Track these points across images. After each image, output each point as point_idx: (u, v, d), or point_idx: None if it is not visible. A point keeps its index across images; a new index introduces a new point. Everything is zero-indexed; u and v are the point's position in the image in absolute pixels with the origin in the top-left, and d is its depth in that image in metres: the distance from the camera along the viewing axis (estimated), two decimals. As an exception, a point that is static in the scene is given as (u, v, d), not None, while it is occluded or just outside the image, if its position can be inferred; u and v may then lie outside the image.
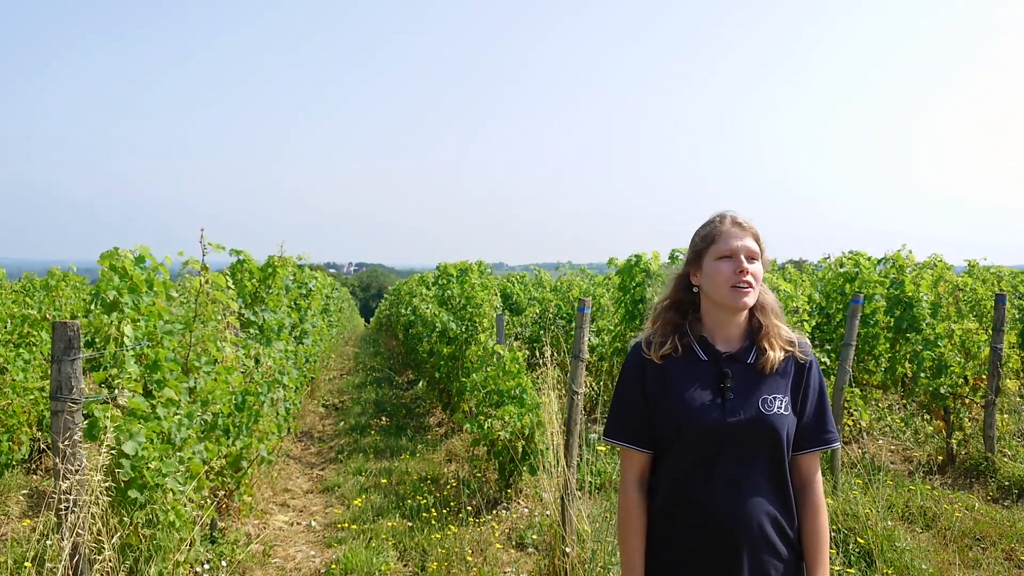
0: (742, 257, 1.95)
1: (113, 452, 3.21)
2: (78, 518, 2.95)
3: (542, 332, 10.88)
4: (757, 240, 2.00)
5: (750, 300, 1.95)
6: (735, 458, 1.92)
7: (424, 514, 5.45)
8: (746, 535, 1.89)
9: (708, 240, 2.02)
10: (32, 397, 6.19)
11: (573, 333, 4.38)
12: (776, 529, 1.92)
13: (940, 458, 6.55)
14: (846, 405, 6.14)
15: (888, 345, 8.53)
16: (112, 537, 3.13)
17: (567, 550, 4.14)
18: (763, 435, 1.92)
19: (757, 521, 1.90)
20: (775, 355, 1.96)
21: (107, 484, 3.10)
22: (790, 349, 2.00)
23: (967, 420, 6.46)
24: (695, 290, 2.07)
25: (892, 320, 8.50)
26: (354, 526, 5.39)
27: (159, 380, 3.68)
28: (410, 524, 5.34)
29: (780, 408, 1.94)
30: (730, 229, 1.99)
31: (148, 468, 3.31)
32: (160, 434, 3.52)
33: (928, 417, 7.06)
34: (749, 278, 1.94)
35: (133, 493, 3.28)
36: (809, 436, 1.99)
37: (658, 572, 1.99)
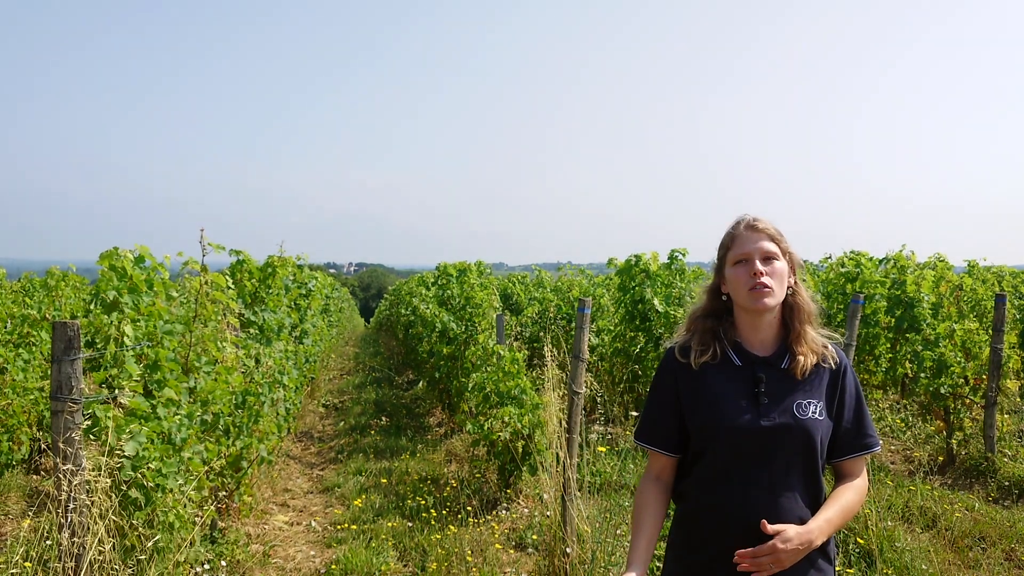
0: (756, 260, 1.95)
1: (114, 452, 3.21)
2: (78, 518, 2.95)
3: (542, 332, 10.87)
4: (775, 240, 1.99)
5: (771, 301, 1.95)
6: (769, 463, 1.92)
7: (424, 514, 5.45)
8: None
9: (725, 247, 2.03)
10: (32, 397, 6.19)
11: (573, 333, 4.38)
12: None
13: (940, 458, 6.54)
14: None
15: (889, 345, 8.53)
16: (112, 537, 3.13)
17: (567, 550, 4.14)
18: (797, 440, 1.92)
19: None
20: (806, 360, 1.96)
21: (107, 484, 3.10)
22: (823, 353, 2.00)
23: (967, 420, 6.45)
24: (725, 298, 2.07)
25: (893, 320, 8.50)
26: (354, 526, 5.39)
27: (159, 380, 3.68)
28: (410, 524, 5.34)
29: (814, 413, 1.94)
30: (743, 233, 1.99)
31: (148, 468, 3.31)
32: (160, 434, 3.52)
33: (928, 417, 7.06)
34: (765, 279, 1.93)
35: (133, 493, 3.27)
36: (850, 442, 2.00)
37: (687, 573, 2.00)
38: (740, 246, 1.98)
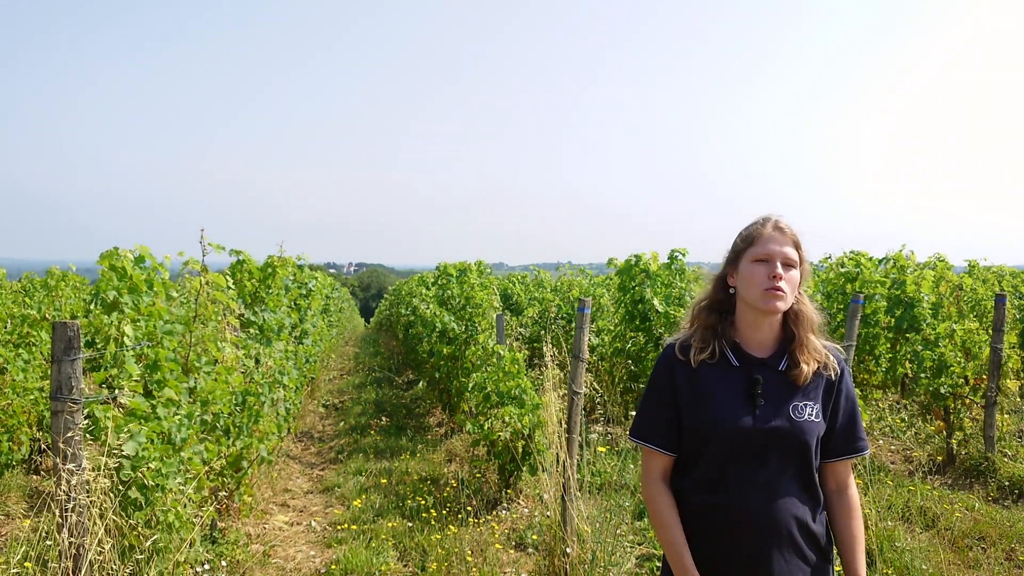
0: (777, 263, 1.95)
1: (113, 452, 3.21)
2: (78, 518, 2.95)
3: (542, 332, 10.88)
4: (797, 248, 2.00)
5: (782, 306, 1.95)
6: (765, 463, 1.93)
7: (424, 514, 5.45)
8: (775, 539, 1.91)
9: (748, 242, 2.02)
10: (32, 397, 6.19)
11: (573, 333, 4.38)
12: (804, 534, 1.94)
13: (940, 458, 6.54)
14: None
15: (888, 345, 8.53)
16: (112, 537, 3.13)
17: (567, 550, 4.14)
18: (793, 442, 1.93)
19: (786, 526, 1.91)
20: (807, 368, 1.96)
21: (107, 484, 3.10)
22: (824, 361, 2.01)
23: (967, 420, 6.45)
24: (731, 291, 2.06)
25: (893, 320, 8.50)
26: (354, 526, 5.39)
27: (159, 380, 3.68)
28: (410, 524, 5.34)
29: (810, 415, 1.95)
30: (771, 233, 1.99)
31: (148, 468, 3.31)
32: (160, 434, 3.52)
33: (928, 417, 7.06)
34: (782, 284, 1.93)
35: (133, 493, 3.27)
36: (842, 445, 2.01)
37: None
38: (764, 245, 1.98)
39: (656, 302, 8.21)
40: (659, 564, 3.50)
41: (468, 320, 8.79)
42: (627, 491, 5.84)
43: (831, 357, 2.02)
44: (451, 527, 5.13)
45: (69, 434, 2.95)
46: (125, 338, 3.58)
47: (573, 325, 7.96)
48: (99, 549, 3.00)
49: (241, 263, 6.31)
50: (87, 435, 3.19)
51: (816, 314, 2.04)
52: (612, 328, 9.39)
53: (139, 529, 3.31)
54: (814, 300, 2.10)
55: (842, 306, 8.57)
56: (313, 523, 5.62)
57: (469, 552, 4.64)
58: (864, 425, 2.70)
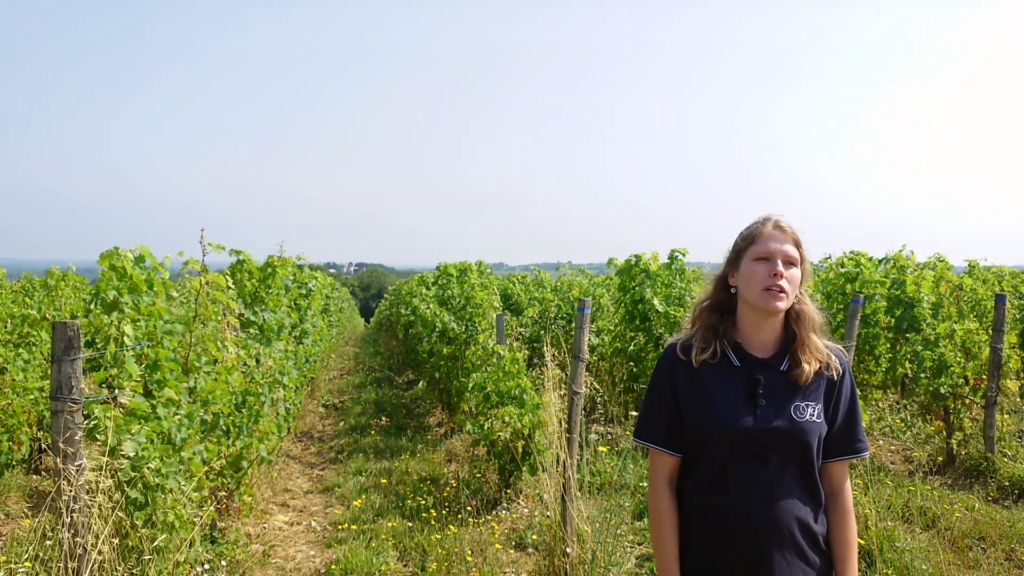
0: (778, 261, 1.95)
1: (118, 452, 3.21)
2: (79, 518, 2.95)
3: (542, 332, 10.87)
4: (798, 246, 2.00)
5: (782, 305, 1.95)
6: (767, 464, 1.92)
7: (424, 514, 5.45)
8: (776, 540, 1.90)
9: (748, 240, 2.02)
10: (32, 397, 6.19)
11: (573, 333, 4.39)
12: (805, 534, 1.94)
13: (940, 458, 6.54)
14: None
15: (888, 345, 8.53)
16: (112, 537, 3.13)
17: (567, 550, 4.14)
18: (794, 442, 1.92)
19: (787, 526, 1.91)
20: (808, 368, 1.96)
21: (108, 484, 3.10)
22: (827, 362, 2.00)
23: (967, 420, 6.45)
24: (732, 291, 2.06)
25: (893, 320, 8.50)
26: (354, 526, 5.39)
27: (159, 380, 3.68)
28: (410, 524, 5.34)
29: (812, 416, 1.95)
30: (771, 232, 1.99)
31: (148, 468, 3.31)
32: (160, 434, 3.52)
33: (928, 417, 7.06)
34: (783, 283, 1.93)
35: (133, 493, 3.28)
36: (839, 445, 2.00)
37: (687, 573, 2.00)
38: (764, 243, 1.98)
39: (656, 302, 8.21)
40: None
41: (468, 320, 8.79)
42: (627, 491, 5.84)
43: (833, 357, 2.02)
44: (451, 527, 5.13)
45: (69, 434, 2.95)
46: (125, 338, 3.58)
47: (573, 325, 7.96)
48: (99, 549, 3.00)
49: (241, 263, 6.31)
50: (88, 435, 3.19)
51: (818, 314, 2.03)
52: (612, 328, 9.39)
53: (139, 529, 3.31)
54: (814, 300, 2.10)
55: (842, 306, 8.57)
56: (313, 523, 5.62)
57: (469, 552, 4.64)
58: (864, 426, 2.70)
